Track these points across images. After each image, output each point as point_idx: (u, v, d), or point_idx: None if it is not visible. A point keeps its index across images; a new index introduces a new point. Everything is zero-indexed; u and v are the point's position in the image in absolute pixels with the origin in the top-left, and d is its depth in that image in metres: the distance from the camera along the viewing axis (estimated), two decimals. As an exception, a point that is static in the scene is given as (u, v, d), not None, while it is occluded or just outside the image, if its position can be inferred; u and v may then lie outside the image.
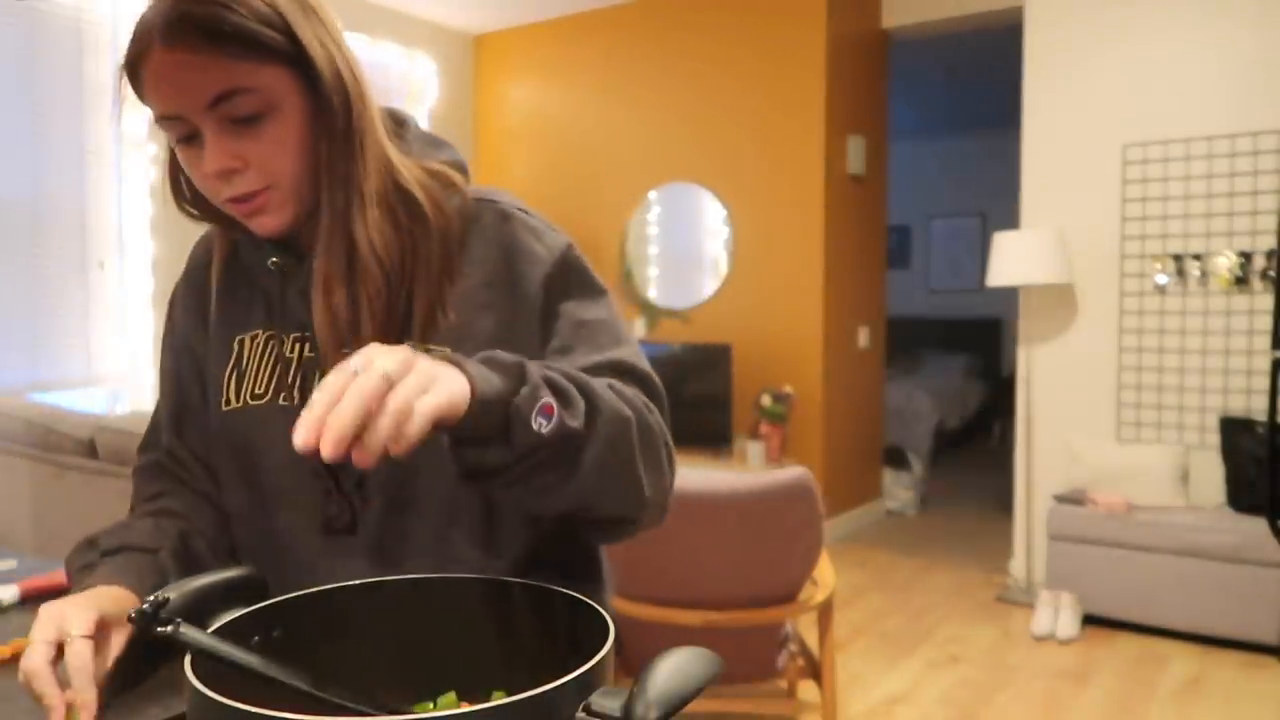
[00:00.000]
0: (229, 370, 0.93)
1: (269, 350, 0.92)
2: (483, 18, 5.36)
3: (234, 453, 0.93)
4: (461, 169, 0.95)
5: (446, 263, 0.88)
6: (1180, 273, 3.63)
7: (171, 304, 1.03)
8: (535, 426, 0.66)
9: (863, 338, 4.90)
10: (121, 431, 2.35)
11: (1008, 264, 3.79)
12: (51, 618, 0.74)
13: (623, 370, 0.84)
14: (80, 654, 0.72)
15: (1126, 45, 3.73)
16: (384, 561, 0.87)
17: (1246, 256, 3.51)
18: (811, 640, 2.60)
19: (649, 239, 5.13)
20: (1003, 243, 3.84)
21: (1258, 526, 3.19)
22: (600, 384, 0.75)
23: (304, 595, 0.72)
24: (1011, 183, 4.26)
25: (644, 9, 5.05)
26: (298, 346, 0.91)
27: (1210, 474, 3.57)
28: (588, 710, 0.54)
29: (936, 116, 7.73)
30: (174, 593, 0.68)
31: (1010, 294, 5.48)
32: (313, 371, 0.90)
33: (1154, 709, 2.83)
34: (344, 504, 0.89)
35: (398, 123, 0.94)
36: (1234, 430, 3.43)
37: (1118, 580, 3.44)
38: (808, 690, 2.73)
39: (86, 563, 0.86)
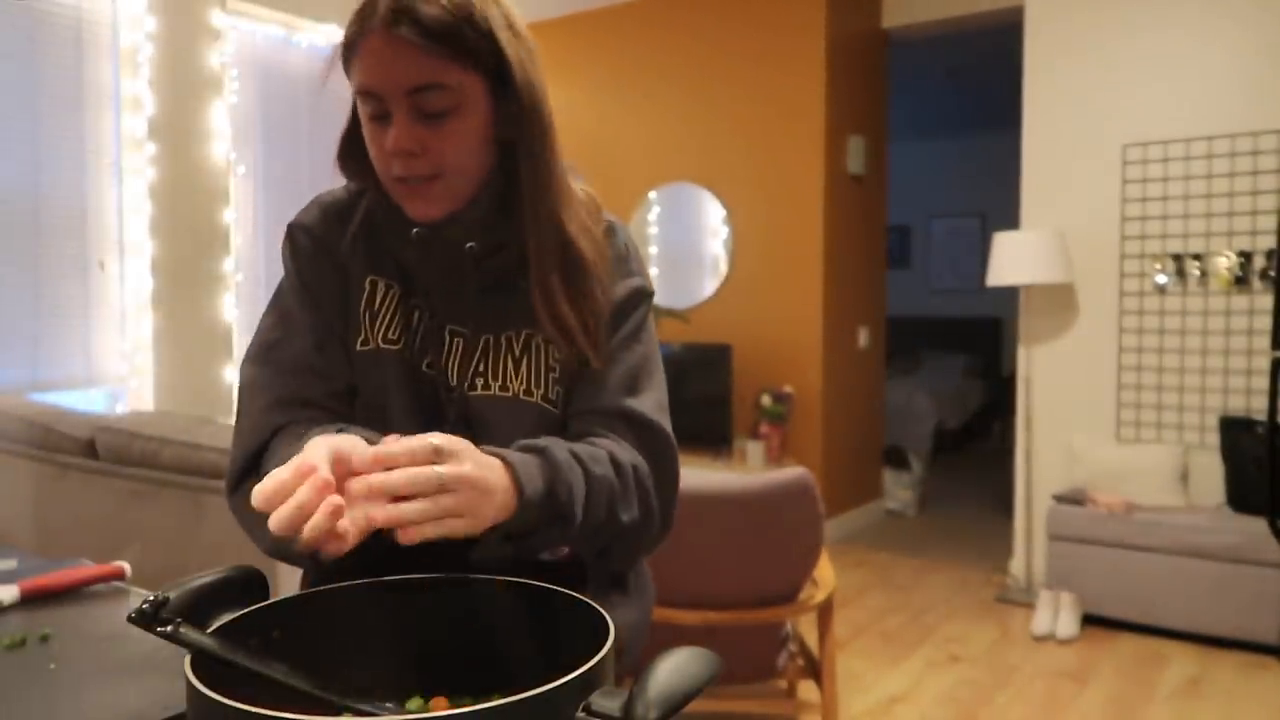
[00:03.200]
0: (363, 308, 0.98)
1: (398, 305, 0.98)
2: (483, 18, 5.36)
3: (364, 393, 0.97)
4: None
5: (608, 277, 0.99)
6: (1180, 273, 3.63)
7: (296, 256, 1.01)
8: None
9: (863, 338, 4.90)
10: (121, 431, 2.34)
11: (1008, 264, 3.79)
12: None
13: (633, 421, 0.96)
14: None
15: (1126, 45, 3.73)
16: None
17: (1246, 256, 3.51)
18: (811, 640, 2.60)
19: (649, 239, 5.13)
20: (1003, 243, 3.84)
21: (1258, 526, 3.19)
22: (601, 480, 0.87)
23: (303, 595, 0.72)
24: (1011, 183, 4.25)
25: (644, 9, 5.05)
26: (418, 314, 0.97)
27: (1210, 474, 3.57)
28: (588, 710, 0.54)
29: (936, 116, 7.73)
30: (174, 592, 0.68)
31: (1010, 294, 5.48)
32: (434, 339, 0.96)
33: (1154, 709, 2.83)
34: None
35: None
36: (1234, 430, 3.43)
37: (1118, 580, 3.44)
38: (808, 690, 2.74)
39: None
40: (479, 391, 0.95)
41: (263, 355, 0.98)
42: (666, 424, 0.99)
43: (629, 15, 5.10)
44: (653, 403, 0.98)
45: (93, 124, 3.57)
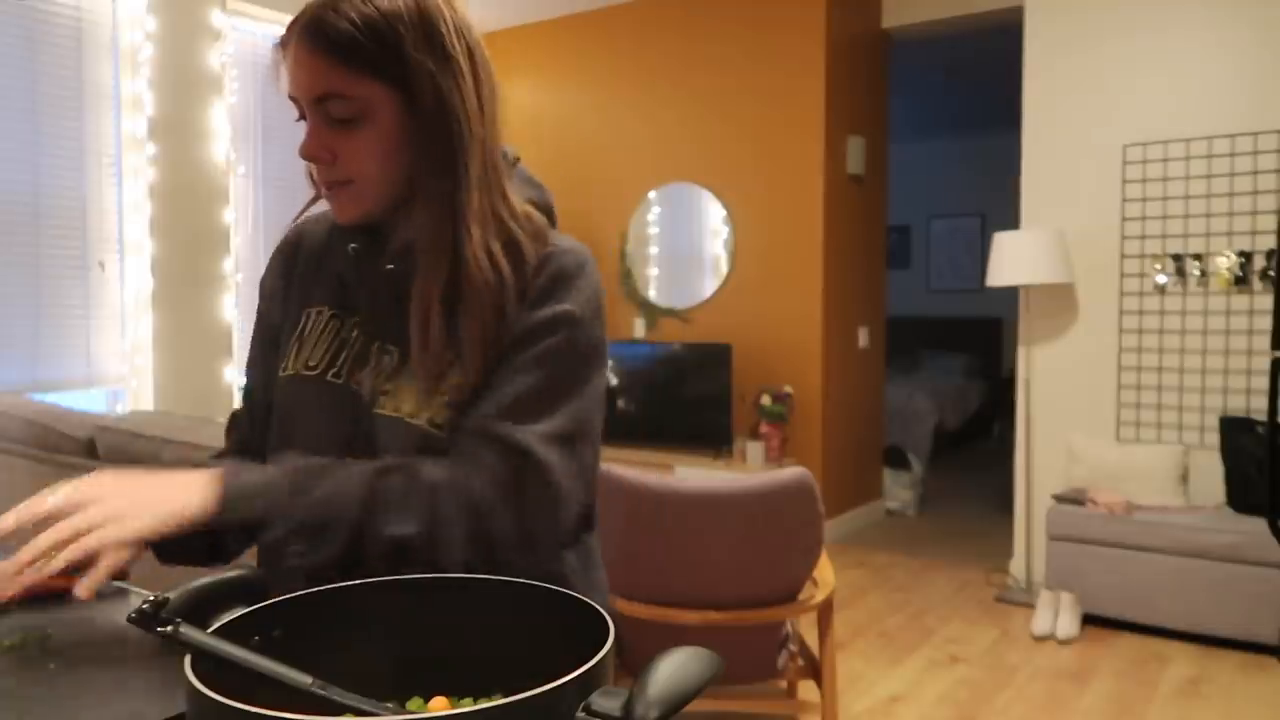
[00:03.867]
0: (294, 337, 1.02)
1: (329, 327, 1.00)
2: (483, 17, 5.36)
3: (280, 418, 1.02)
4: (549, 210, 1.03)
5: (523, 299, 0.94)
6: (1180, 273, 3.63)
7: (268, 269, 1.12)
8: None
9: (863, 338, 4.90)
10: (121, 431, 2.34)
11: (1008, 264, 3.79)
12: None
13: (497, 443, 0.89)
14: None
15: (1126, 45, 3.73)
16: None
17: (1246, 256, 3.51)
18: (811, 640, 2.60)
19: (649, 239, 5.13)
20: (1003, 243, 3.84)
21: (1258, 526, 3.19)
22: (332, 479, 0.88)
23: (304, 595, 0.72)
24: (1012, 183, 4.25)
25: (644, 9, 5.05)
26: (356, 330, 0.99)
27: (1210, 474, 3.57)
28: (588, 710, 0.54)
29: (936, 116, 7.73)
30: (174, 592, 0.68)
31: (1010, 294, 5.48)
32: (363, 355, 0.98)
33: (1154, 709, 2.83)
34: None
35: (508, 161, 1.01)
36: (1234, 430, 3.43)
37: (1118, 580, 3.44)
38: (808, 690, 2.73)
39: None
40: (386, 411, 0.95)
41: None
42: (555, 453, 0.90)
43: (629, 16, 5.10)
44: (542, 429, 0.90)
45: (93, 124, 3.57)
